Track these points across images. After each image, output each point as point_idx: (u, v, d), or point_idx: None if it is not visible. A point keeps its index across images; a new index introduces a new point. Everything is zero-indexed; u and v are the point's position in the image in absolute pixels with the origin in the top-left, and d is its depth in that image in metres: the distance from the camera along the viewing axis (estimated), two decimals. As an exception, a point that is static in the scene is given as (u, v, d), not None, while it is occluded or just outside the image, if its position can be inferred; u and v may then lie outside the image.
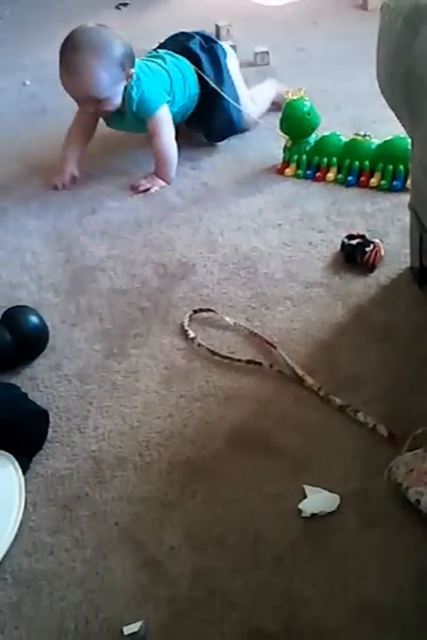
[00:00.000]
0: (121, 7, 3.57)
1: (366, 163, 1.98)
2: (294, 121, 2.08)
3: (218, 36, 3.06)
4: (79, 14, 3.48)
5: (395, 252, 1.69)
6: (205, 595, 1.06)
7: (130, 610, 1.05)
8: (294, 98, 2.08)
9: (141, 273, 1.75)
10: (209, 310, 1.59)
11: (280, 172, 2.09)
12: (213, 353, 1.48)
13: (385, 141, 1.99)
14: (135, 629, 1.02)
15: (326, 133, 2.09)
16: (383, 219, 1.82)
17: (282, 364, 1.43)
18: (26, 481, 1.25)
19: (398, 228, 1.77)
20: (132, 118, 2.11)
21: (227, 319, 1.56)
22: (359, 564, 1.07)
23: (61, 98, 2.33)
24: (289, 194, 1.98)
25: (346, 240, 1.70)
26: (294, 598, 1.05)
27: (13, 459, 1.26)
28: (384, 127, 2.11)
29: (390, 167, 1.94)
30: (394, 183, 1.94)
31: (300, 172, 2.07)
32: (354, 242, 1.68)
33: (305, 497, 1.17)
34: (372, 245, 1.65)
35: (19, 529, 1.17)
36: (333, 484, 1.18)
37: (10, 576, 1.12)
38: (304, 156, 2.07)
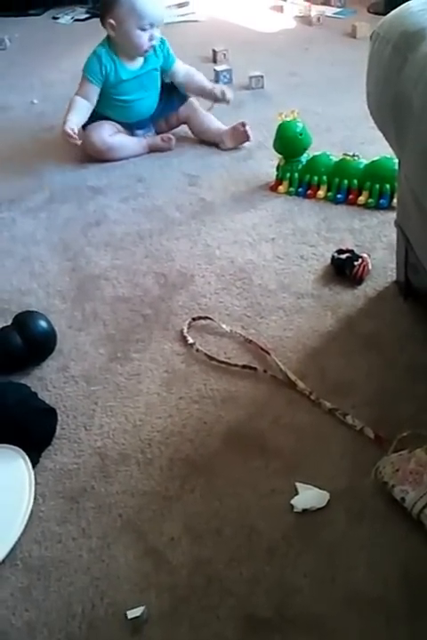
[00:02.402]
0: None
1: (355, 181, 2.01)
2: (286, 141, 2.11)
3: (215, 60, 3.10)
4: (84, 38, 3.51)
5: (382, 266, 1.71)
6: (203, 582, 1.08)
7: (133, 595, 1.07)
8: (288, 119, 2.11)
9: (143, 282, 1.77)
10: (207, 318, 1.61)
11: (273, 189, 2.12)
12: (211, 358, 1.49)
13: (373, 161, 2.01)
14: (138, 614, 1.03)
15: (317, 153, 2.11)
16: (371, 235, 1.85)
17: (275, 369, 1.45)
18: (35, 474, 1.26)
19: (384, 244, 1.79)
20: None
21: (224, 327, 1.57)
22: (347, 557, 1.10)
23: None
24: (282, 210, 2.01)
25: (336, 254, 1.72)
26: (286, 587, 1.06)
27: (24, 453, 1.28)
28: (372, 148, 2.14)
29: (377, 186, 1.97)
30: (381, 201, 1.97)
31: (292, 189, 2.09)
32: (343, 256, 1.70)
33: (297, 493, 1.19)
34: (360, 260, 1.68)
35: (29, 519, 1.19)
36: (323, 481, 1.20)
37: (21, 562, 1.13)
38: (296, 174, 2.09)
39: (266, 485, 1.22)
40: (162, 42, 2.35)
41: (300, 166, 2.10)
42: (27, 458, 1.27)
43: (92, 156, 2.34)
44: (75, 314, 1.68)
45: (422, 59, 1.20)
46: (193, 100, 2.45)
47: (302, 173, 2.09)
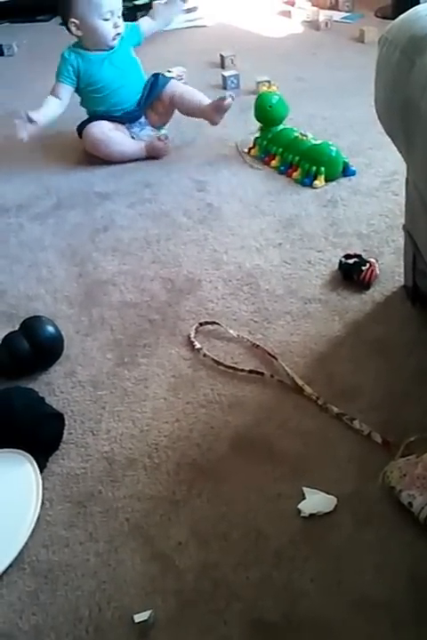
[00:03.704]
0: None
1: (296, 158, 2.19)
2: (259, 111, 2.33)
3: (222, 65, 3.11)
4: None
5: (389, 271, 1.72)
6: (210, 587, 1.09)
7: (140, 599, 1.08)
8: (264, 91, 2.31)
9: (150, 287, 1.78)
10: (214, 323, 1.62)
11: (248, 152, 2.35)
12: (218, 363, 1.50)
13: (313, 144, 2.19)
14: (145, 617, 1.04)
15: (285, 127, 2.31)
16: (378, 240, 1.85)
17: (282, 374, 1.46)
18: (43, 479, 1.27)
19: (392, 249, 1.80)
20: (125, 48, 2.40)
21: (231, 332, 1.58)
22: (354, 561, 1.10)
23: (73, 121, 2.39)
24: (289, 215, 2.01)
25: (343, 259, 1.73)
26: (293, 591, 1.07)
27: (31, 458, 1.29)
28: (380, 153, 2.16)
29: (306, 166, 2.15)
30: (305, 180, 2.15)
31: (260, 154, 2.31)
32: (351, 261, 1.71)
33: (304, 498, 1.20)
34: (368, 264, 1.68)
35: (36, 523, 1.20)
36: (330, 486, 1.21)
37: (28, 566, 1.15)
38: (264, 143, 2.31)
39: (273, 490, 1.22)
40: (126, 25, 2.40)
41: (269, 136, 2.30)
42: (34, 462, 1.28)
43: (92, 152, 2.38)
44: (82, 319, 1.69)
45: (429, 63, 1.20)
46: (174, 81, 2.52)
47: (268, 143, 2.30)
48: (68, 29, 2.34)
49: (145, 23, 2.51)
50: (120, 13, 2.34)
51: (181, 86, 2.53)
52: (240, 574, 1.10)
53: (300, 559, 1.11)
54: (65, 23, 2.34)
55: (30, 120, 2.26)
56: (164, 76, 2.52)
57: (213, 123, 2.42)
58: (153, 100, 2.46)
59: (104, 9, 2.28)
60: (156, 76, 2.49)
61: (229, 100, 2.36)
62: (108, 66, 2.37)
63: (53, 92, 2.37)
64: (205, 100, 2.45)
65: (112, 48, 2.37)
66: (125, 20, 2.41)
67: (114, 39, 2.35)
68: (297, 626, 1.03)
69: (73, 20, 2.29)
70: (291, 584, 1.08)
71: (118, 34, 2.34)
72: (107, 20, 2.29)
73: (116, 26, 2.32)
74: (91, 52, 2.36)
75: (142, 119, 2.47)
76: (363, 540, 1.13)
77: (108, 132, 2.36)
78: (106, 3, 2.28)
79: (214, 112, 2.40)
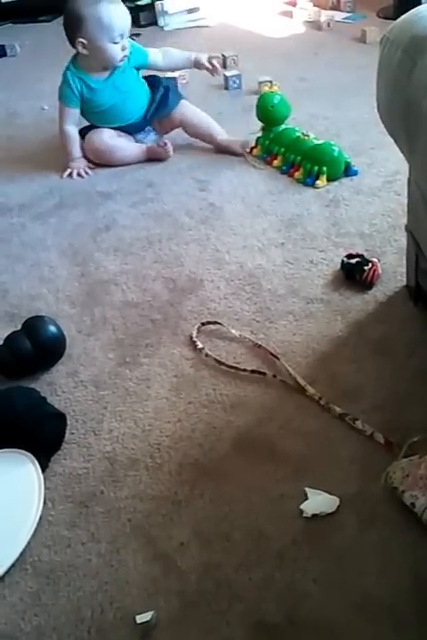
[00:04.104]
0: (133, 37, 3.60)
1: (298, 158, 2.19)
2: (261, 111, 2.32)
3: (224, 65, 3.11)
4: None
5: (392, 271, 1.71)
6: (212, 587, 1.08)
7: (142, 600, 1.07)
8: (266, 91, 2.30)
9: (152, 287, 1.77)
10: (216, 323, 1.61)
11: (250, 152, 2.35)
12: (220, 363, 1.50)
13: (315, 144, 2.18)
14: (147, 618, 1.03)
15: (287, 127, 2.31)
16: (381, 240, 1.84)
17: (285, 374, 1.45)
18: (45, 479, 1.27)
19: (394, 249, 1.79)
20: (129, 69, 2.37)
21: (233, 331, 1.58)
22: (357, 562, 1.09)
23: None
24: (291, 215, 2.01)
25: (345, 259, 1.73)
26: (295, 592, 1.06)
27: (33, 458, 1.28)
28: (382, 153, 2.15)
29: (308, 166, 2.14)
30: (307, 180, 2.14)
31: (262, 154, 2.31)
32: (353, 261, 1.70)
33: (306, 498, 1.19)
34: (370, 264, 1.67)
35: (38, 523, 1.19)
36: (332, 486, 1.20)
37: (30, 567, 1.14)
38: (266, 142, 2.30)
39: (275, 490, 1.22)
40: (132, 46, 2.37)
41: (271, 135, 2.30)
42: (36, 462, 1.28)
43: (93, 159, 2.38)
44: (84, 319, 1.68)
45: (431, 63, 1.20)
46: (185, 102, 2.46)
47: (270, 143, 2.29)
48: (73, 45, 2.29)
49: (153, 55, 2.43)
50: (128, 35, 2.31)
51: (191, 109, 2.44)
52: (242, 575, 1.09)
53: (302, 560, 1.10)
54: (71, 41, 2.29)
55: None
56: (175, 93, 2.48)
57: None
58: (161, 117, 2.44)
59: (115, 33, 2.23)
60: (167, 89, 2.44)
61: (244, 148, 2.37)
62: (111, 90, 2.34)
63: (67, 120, 2.35)
64: (215, 127, 2.42)
65: (117, 67, 2.33)
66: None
67: (121, 61, 2.31)
68: (300, 627, 1.02)
69: (81, 39, 2.24)
70: (293, 585, 1.07)
71: (125, 55, 2.31)
72: (116, 43, 2.25)
73: (123, 48, 2.28)
74: (93, 75, 2.32)
75: (148, 128, 2.46)
76: (366, 541, 1.12)
77: (109, 141, 2.35)
78: (117, 26, 2.23)
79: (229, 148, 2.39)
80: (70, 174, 2.33)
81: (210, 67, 2.46)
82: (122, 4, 2.28)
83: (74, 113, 2.36)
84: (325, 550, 1.12)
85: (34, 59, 3.50)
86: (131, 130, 2.42)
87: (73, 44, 2.29)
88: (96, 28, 2.22)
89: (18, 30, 3.93)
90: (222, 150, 2.39)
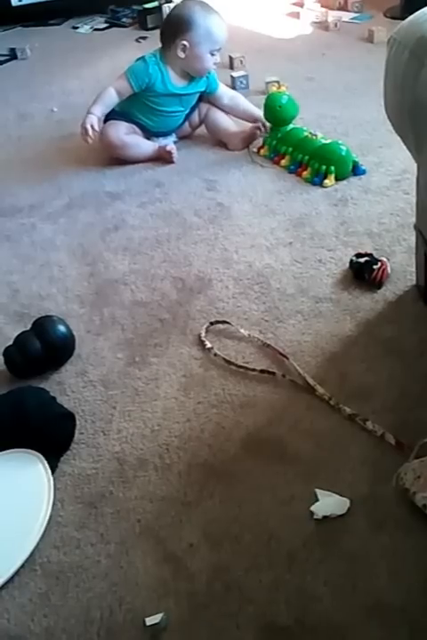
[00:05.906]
0: (140, 40, 3.59)
1: (306, 157, 2.16)
2: (269, 111, 2.30)
3: (231, 66, 3.08)
4: (102, 46, 3.52)
5: (401, 270, 1.68)
6: (222, 589, 1.06)
7: (151, 602, 1.05)
8: (274, 91, 2.28)
9: (161, 287, 1.75)
10: (225, 322, 1.59)
11: (258, 151, 2.33)
12: (229, 362, 1.47)
13: (323, 144, 2.16)
14: (157, 620, 1.01)
15: (294, 127, 2.29)
16: (390, 238, 1.82)
17: (294, 374, 1.43)
18: (54, 479, 1.25)
19: (404, 248, 1.76)
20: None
21: (241, 331, 1.55)
22: (369, 565, 1.07)
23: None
24: (300, 214, 1.98)
25: (354, 258, 1.70)
26: (306, 595, 1.04)
27: (43, 458, 1.27)
28: (390, 152, 2.13)
29: (316, 165, 2.12)
30: (315, 179, 2.11)
31: (270, 154, 2.29)
32: (362, 260, 1.68)
33: (317, 500, 1.17)
34: (379, 263, 1.65)
35: (48, 524, 1.17)
36: (343, 488, 1.18)
37: (39, 568, 1.12)
38: (274, 142, 2.28)
39: (285, 491, 1.19)
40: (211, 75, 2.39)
41: (279, 135, 2.28)
42: (45, 463, 1.26)
43: (106, 150, 2.35)
44: (93, 318, 1.66)
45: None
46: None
47: (277, 142, 2.27)
48: (169, 44, 2.28)
49: (221, 90, 2.44)
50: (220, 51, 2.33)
51: (215, 107, 2.45)
52: (252, 577, 1.07)
53: (313, 562, 1.08)
54: (169, 40, 2.28)
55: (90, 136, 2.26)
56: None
57: (234, 148, 2.38)
58: (189, 119, 2.44)
59: (217, 46, 2.27)
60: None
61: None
62: (177, 100, 2.35)
63: (118, 87, 2.30)
64: (230, 127, 2.41)
65: (197, 79, 2.34)
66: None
67: (208, 72, 2.34)
68: (310, 630, 1.00)
69: (184, 42, 2.24)
70: (304, 587, 1.05)
71: (214, 69, 2.34)
72: (213, 55, 2.28)
73: (215, 63, 2.32)
74: (173, 76, 2.31)
75: (171, 134, 2.45)
76: (377, 543, 1.09)
77: (123, 137, 2.32)
78: (220, 40, 2.27)
79: (240, 140, 2.38)
80: (83, 125, 2.25)
81: (259, 131, 2.40)
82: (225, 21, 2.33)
83: (128, 90, 2.30)
84: (336, 553, 1.09)
85: (44, 61, 3.48)
86: (153, 134, 2.40)
87: (170, 43, 2.28)
88: (203, 36, 2.25)
89: (28, 33, 3.91)
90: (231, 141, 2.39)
